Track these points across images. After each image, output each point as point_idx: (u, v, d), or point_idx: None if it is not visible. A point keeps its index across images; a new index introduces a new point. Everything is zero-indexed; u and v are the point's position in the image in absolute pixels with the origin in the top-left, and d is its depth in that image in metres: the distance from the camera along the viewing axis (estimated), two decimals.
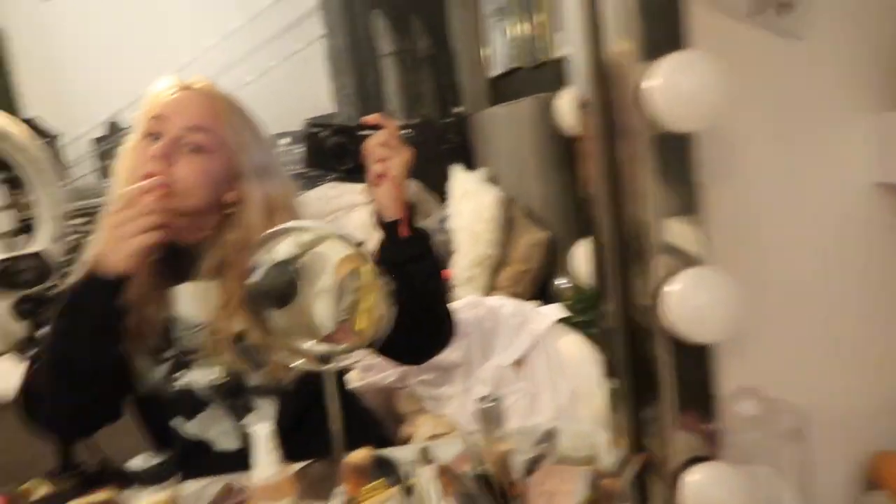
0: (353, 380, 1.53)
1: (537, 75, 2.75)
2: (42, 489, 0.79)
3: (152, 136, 1.01)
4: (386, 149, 0.94)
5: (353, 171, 0.96)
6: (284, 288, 0.94)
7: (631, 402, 0.55)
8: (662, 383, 0.49)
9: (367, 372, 1.57)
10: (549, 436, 0.94)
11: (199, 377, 1.05)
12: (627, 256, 0.52)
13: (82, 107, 3.32)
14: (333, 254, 0.90)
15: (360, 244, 0.87)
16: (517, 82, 3.07)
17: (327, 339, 0.98)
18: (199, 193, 1.02)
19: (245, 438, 1.07)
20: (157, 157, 0.98)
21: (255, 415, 1.08)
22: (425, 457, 0.74)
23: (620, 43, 0.47)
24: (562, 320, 1.58)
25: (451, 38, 3.61)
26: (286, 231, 0.87)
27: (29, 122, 3.22)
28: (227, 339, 1.04)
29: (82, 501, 0.61)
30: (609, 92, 0.49)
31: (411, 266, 0.97)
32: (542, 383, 1.40)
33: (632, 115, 0.46)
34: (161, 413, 1.07)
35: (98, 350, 0.95)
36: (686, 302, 0.44)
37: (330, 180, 3.45)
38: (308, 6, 3.45)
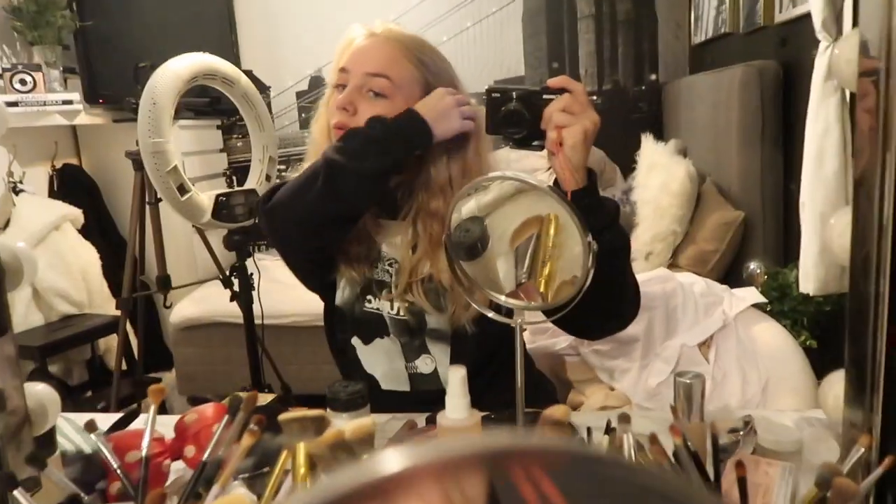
0: (525, 342, 1.52)
1: (750, 42, 2.52)
2: (251, 401, 0.86)
3: (340, 87, 1.05)
4: (567, 115, 0.87)
5: (529, 138, 0.90)
6: (474, 242, 0.95)
7: (876, 399, 0.47)
8: None
9: (540, 335, 1.54)
10: (746, 423, 0.86)
11: (385, 307, 1.09)
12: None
13: (290, 62, 3.57)
14: (518, 214, 0.89)
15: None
16: (725, 49, 2.83)
17: (512, 294, 0.98)
18: None
19: (414, 380, 1.10)
20: (340, 107, 1.02)
21: (425, 358, 1.10)
22: (624, 424, 0.69)
23: None
24: (757, 306, 1.44)
25: (655, 1, 3.40)
26: (481, 184, 0.86)
27: (247, 74, 3.56)
28: (414, 279, 1.07)
29: (299, 413, 0.65)
30: None
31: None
32: (730, 369, 1.29)
33: None
34: (345, 328, 1.12)
35: (374, 181, 0.99)
36: None
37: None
38: None
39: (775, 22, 2.25)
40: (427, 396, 1.07)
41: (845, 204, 1.69)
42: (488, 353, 1.09)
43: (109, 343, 2.60)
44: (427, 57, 1.07)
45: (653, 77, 3.49)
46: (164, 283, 1.97)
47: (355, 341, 1.12)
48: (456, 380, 0.71)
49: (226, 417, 0.70)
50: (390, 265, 1.09)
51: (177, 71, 1.67)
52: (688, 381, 0.75)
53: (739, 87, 2.24)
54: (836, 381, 0.55)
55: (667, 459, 0.61)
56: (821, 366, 1.83)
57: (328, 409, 0.81)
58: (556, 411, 0.64)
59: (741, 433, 0.85)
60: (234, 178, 2.95)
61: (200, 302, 2.57)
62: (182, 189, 1.65)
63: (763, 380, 1.25)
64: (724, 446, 0.88)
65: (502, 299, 0.90)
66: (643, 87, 3.49)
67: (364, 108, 1.03)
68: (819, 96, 1.66)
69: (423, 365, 1.10)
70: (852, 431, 0.50)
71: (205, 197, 1.72)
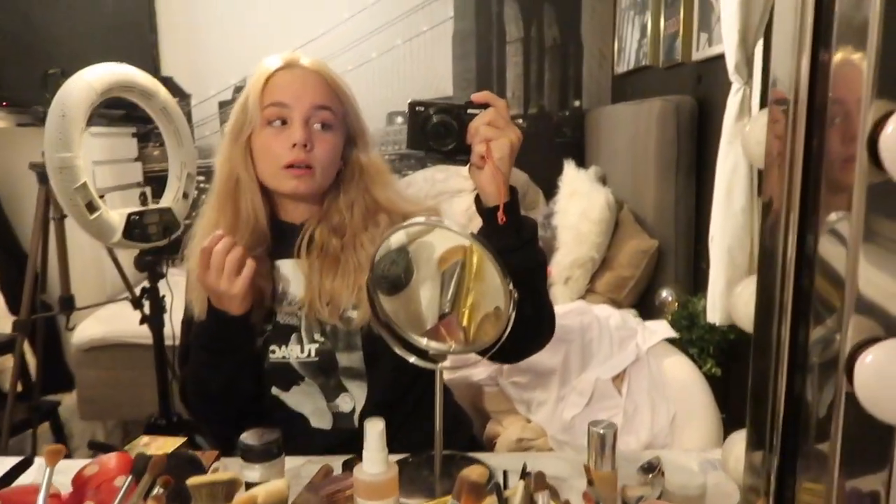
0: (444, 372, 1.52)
1: (669, 76, 2.63)
2: (153, 447, 0.81)
3: (276, 121, 1.02)
4: (492, 129, 0.88)
5: (456, 151, 0.90)
6: (399, 274, 0.95)
7: (777, 462, 0.49)
8: (831, 449, 0.43)
9: (456, 354, 1.54)
10: (652, 467, 0.89)
11: (294, 352, 1.07)
12: (804, 307, 0.45)
13: (213, 70, 3.47)
14: (441, 243, 0.89)
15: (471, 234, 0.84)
16: (645, 81, 2.95)
17: (433, 331, 0.98)
18: (331, 170, 1.05)
19: (336, 419, 1.08)
20: (299, 144, 1.00)
21: (345, 396, 1.09)
22: (541, 475, 0.70)
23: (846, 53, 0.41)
24: (669, 340, 1.50)
25: (581, 29, 3.51)
26: (401, 226, 0.86)
27: (167, 81, 3.43)
28: (321, 318, 1.05)
29: (209, 478, 0.62)
30: (816, 104, 0.43)
31: (510, 256, 0.89)
32: (641, 402, 1.33)
33: (847, 149, 0.40)
34: (261, 381, 1.10)
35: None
36: (886, 378, 0.37)
37: (438, 162, 3.47)
38: None
39: (692, 59, 2.36)
40: (350, 434, 1.06)
41: (750, 239, 1.78)
42: (406, 387, 1.09)
43: (4, 363, 2.43)
44: (345, 89, 1.08)
45: (577, 103, 3.59)
46: (67, 304, 1.86)
47: (275, 391, 1.09)
48: (374, 434, 0.70)
49: (129, 478, 0.66)
50: (294, 306, 1.07)
51: (90, 82, 1.58)
52: (601, 432, 0.77)
53: (657, 120, 2.33)
54: (738, 442, 0.57)
55: None
56: (724, 393, 1.92)
57: (241, 459, 0.78)
58: (472, 472, 0.64)
59: (650, 476, 0.88)
60: (148, 191, 2.83)
61: (107, 321, 2.44)
62: (91, 207, 1.57)
63: (671, 413, 1.30)
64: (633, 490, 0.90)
65: (424, 343, 0.90)
66: (567, 113, 3.59)
67: (318, 143, 1.02)
68: (730, 135, 1.74)
69: (344, 403, 1.09)
70: (750, 495, 0.52)
71: (116, 215, 1.64)
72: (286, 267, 1.08)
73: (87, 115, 1.56)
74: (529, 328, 0.98)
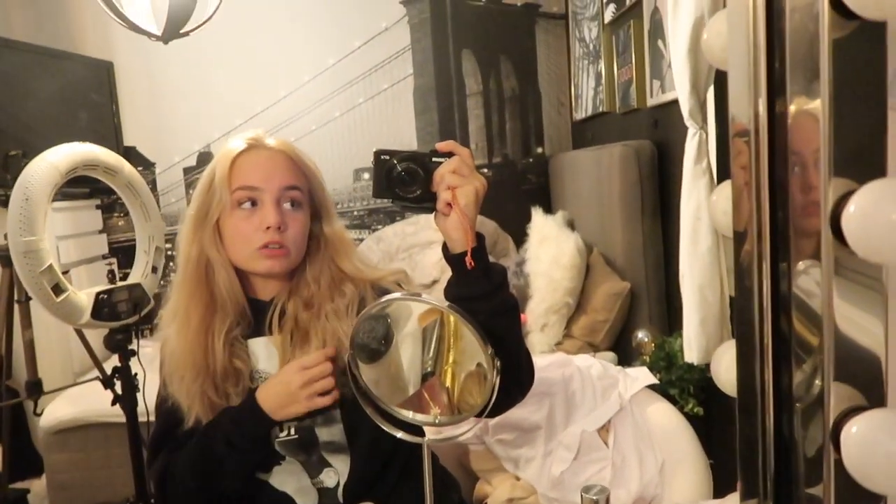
0: (428, 433, 1.50)
1: (626, 121, 2.71)
2: None
3: (245, 203, 1.03)
4: (457, 176, 0.89)
5: (421, 199, 0.91)
6: (378, 339, 0.95)
7: None
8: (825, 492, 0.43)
9: (443, 426, 1.53)
10: None
11: (274, 432, 1.05)
12: (786, 351, 0.46)
13: (177, 138, 3.47)
14: (419, 304, 0.89)
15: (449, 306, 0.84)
16: (604, 126, 3.03)
17: (417, 398, 0.97)
18: (303, 247, 1.05)
19: (321, 494, 1.06)
20: (273, 226, 1.00)
21: (328, 472, 1.07)
22: None
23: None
24: (651, 386, 1.51)
25: (538, 79, 3.61)
26: (379, 303, 0.86)
27: (129, 151, 3.42)
28: None
29: None
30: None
31: (481, 303, 0.91)
32: (628, 453, 1.33)
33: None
34: None
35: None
36: (872, 448, 0.38)
37: (407, 216, 3.49)
38: (398, 47, 3.52)
39: (648, 105, 2.44)
40: None
41: (719, 276, 1.81)
42: (389, 454, 1.07)
43: None
44: (310, 165, 1.10)
45: (539, 150, 3.66)
46: (34, 388, 1.80)
47: (259, 474, 1.07)
48: None
49: None
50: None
51: (53, 163, 1.57)
52: (594, 498, 0.76)
53: (619, 164, 2.39)
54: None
55: None
56: (707, 433, 1.93)
57: None
58: None
59: None
60: (114, 263, 2.78)
61: (76, 401, 2.36)
62: (57, 289, 1.53)
63: (659, 462, 1.29)
64: None
65: (410, 416, 0.89)
66: (531, 160, 3.66)
67: (290, 223, 1.03)
68: (690, 178, 1.80)
69: (328, 479, 1.07)
70: None
71: (83, 295, 1.61)
72: (259, 345, 1.07)
73: (51, 197, 1.54)
74: (508, 376, 0.96)
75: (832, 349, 0.41)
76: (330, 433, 1.06)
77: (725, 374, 0.54)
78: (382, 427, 0.89)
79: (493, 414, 1.13)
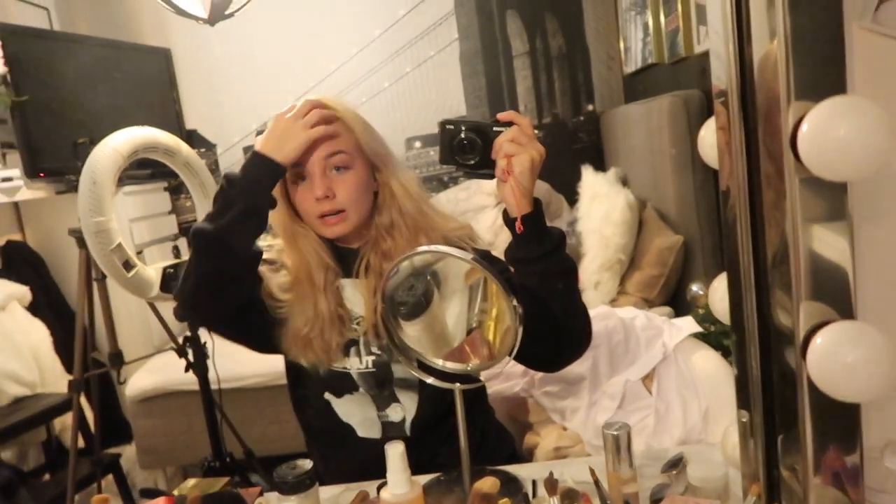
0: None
1: (676, 72, 2.64)
2: (197, 488, 0.87)
3: (298, 180, 1.08)
4: (515, 145, 0.93)
5: (479, 166, 0.97)
6: (418, 298, 0.99)
7: (764, 440, 0.52)
8: (801, 428, 0.45)
9: (493, 380, 1.58)
10: (676, 463, 0.91)
11: (354, 363, 1.12)
12: (768, 294, 0.48)
13: (235, 118, 3.60)
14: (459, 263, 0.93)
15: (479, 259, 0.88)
16: (654, 79, 2.96)
17: (458, 350, 1.01)
18: (362, 203, 1.10)
19: (385, 428, 1.13)
20: (320, 197, 1.06)
21: (395, 406, 1.13)
22: (551, 479, 0.73)
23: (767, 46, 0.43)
24: (696, 335, 1.50)
25: (585, 35, 3.54)
26: (406, 256, 0.91)
27: (191, 134, 3.57)
28: (375, 333, 1.10)
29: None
30: (752, 96, 0.46)
31: (534, 265, 0.96)
32: (672, 401, 1.34)
33: (778, 147, 0.43)
34: (314, 386, 1.15)
35: (243, 228, 1.02)
36: (834, 359, 0.40)
37: (459, 181, 3.52)
38: (442, 12, 3.51)
39: (695, 52, 2.36)
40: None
41: None
42: (454, 397, 1.12)
43: (65, 421, 2.54)
44: (352, 121, 1.11)
45: (590, 108, 3.61)
46: (117, 359, 1.95)
47: (328, 396, 1.14)
48: (395, 456, 0.74)
49: None
50: (357, 323, 1.13)
51: (116, 147, 1.68)
52: (615, 433, 0.79)
53: (668, 116, 2.34)
54: (733, 432, 0.59)
55: None
56: None
57: (277, 492, 0.83)
58: (483, 484, 0.67)
59: (674, 472, 0.90)
60: (181, 243, 2.93)
61: (156, 372, 2.54)
62: (127, 265, 1.65)
63: (703, 408, 1.30)
64: (661, 485, 0.92)
65: (440, 364, 0.93)
66: (581, 118, 3.61)
67: (338, 187, 1.07)
68: None
69: (394, 413, 1.13)
70: (744, 481, 0.54)
71: (152, 270, 1.72)
72: (348, 287, 1.14)
73: (115, 179, 1.66)
74: (564, 335, 1.01)
75: (803, 269, 0.42)
76: (403, 370, 1.11)
77: (720, 303, 0.56)
78: (413, 373, 0.94)
79: (552, 369, 1.16)
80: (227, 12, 1.86)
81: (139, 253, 2.79)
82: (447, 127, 0.98)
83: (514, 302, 0.86)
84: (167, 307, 2.03)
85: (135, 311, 2.68)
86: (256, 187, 1.02)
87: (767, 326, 0.50)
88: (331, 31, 3.51)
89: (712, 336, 1.77)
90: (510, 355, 0.88)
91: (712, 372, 1.35)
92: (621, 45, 3.41)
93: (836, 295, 0.43)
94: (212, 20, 1.84)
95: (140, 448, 2.60)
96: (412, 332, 0.99)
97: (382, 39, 3.53)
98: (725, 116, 0.49)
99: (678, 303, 2.46)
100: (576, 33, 3.56)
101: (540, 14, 3.55)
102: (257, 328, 1.13)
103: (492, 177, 0.97)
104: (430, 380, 0.94)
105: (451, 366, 0.94)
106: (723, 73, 0.49)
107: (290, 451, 1.10)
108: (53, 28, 3.33)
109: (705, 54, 2.26)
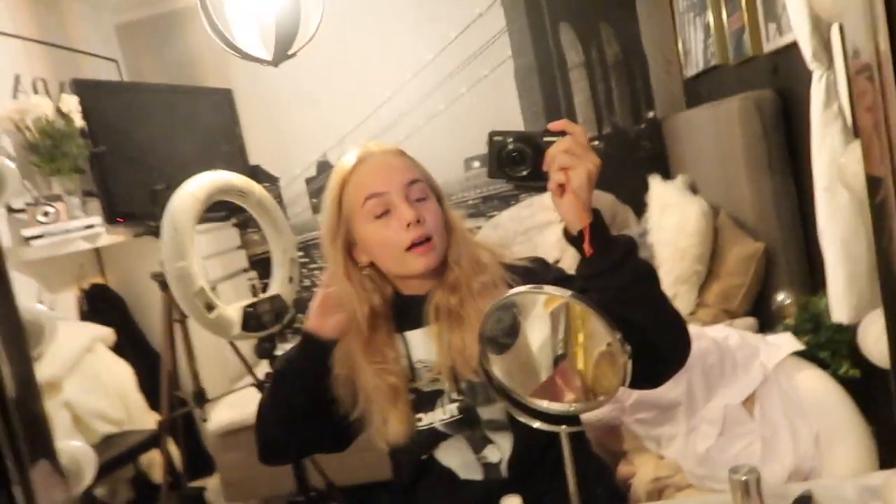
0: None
1: (743, 72, 2.54)
2: None
3: (380, 214, 1.06)
4: (569, 156, 0.87)
5: (530, 178, 0.91)
6: (507, 329, 0.96)
7: None
8: None
9: (579, 412, 1.52)
10: (805, 502, 0.84)
11: (437, 416, 1.09)
12: None
13: (295, 151, 3.67)
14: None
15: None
16: (718, 80, 2.86)
17: (550, 385, 0.97)
18: (444, 236, 1.09)
19: (486, 470, 1.10)
20: (412, 222, 1.04)
21: (491, 448, 1.10)
22: None
23: None
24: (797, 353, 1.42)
25: (642, 40, 3.47)
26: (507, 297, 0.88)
27: (255, 169, 3.65)
28: (454, 380, 1.08)
29: None
30: None
31: (608, 278, 0.90)
32: (778, 425, 1.27)
33: None
34: (410, 452, 1.12)
35: (305, 396, 1.08)
36: None
37: (521, 199, 3.48)
38: (494, 30, 3.50)
39: (764, 51, 2.28)
40: (501, 485, 1.07)
41: (864, 227, 1.67)
42: (550, 435, 1.08)
43: (151, 457, 2.61)
44: (416, 160, 1.13)
45: (651, 114, 3.52)
46: (200, 397, 1.99)
47: (425, 457, 1.12)
48: None
49: None
50: (433, 372, 1.10)
51: (193, 193, 1.72)
52: (743, 479, 0.74)
53: (739, 119, 2.26)
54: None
55: None
56: (866, 396, 1.78)
57: None
58: None
59: None
60: (255, 277, 2.99)
61: (236, 406, 2.58)
62: (209, 307, 1.68)
63: (814, 433, 1.22)
64: None
65: (544, 405, 0.90)
66: (643, 126, 3.53)
67: (424, 215, 1.06)
68: (820, 126, 1.66)
69: (492, 454, 1.11)
70: None
71: (232, 310, 1.75)
72: (416, 338, 1.11)
73: (194, 224, 1.69)
74: (660, 347, 0.94)
75: None
76: (491, 412, 1.08)
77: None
78: (518, 417, 0.91)
79: (656, 384, 1.08)
80: (290, 52, 1.89)
81: (213, 289, 2.86)
82: (495, 138, 0.92)
83: (619, 336, 0.82)
84: (246, 343, 2.06)
85: (212, 348, 2.74)
86: (303, 363, 1.09)
87: None
88: (384, 60, 3.54)
89: (807, 350, 1.68)
90: (615, 392, 0.84)
91: (820, 393, 1.28)
92: (680, 47, 3.32)
93: None
94: (275, 62, 1.87)
95: (224, 481, 2.64)
96: (502, 368, 0.96)
97: (435, 63, 3.53)
98: (871, 95, 0.44)
99: (762, 313, 2.35)
100: (631, 40, 3.49)
101: (594, 23, 3.50)
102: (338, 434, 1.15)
103: (544, 189, 0.91)
104: (536, 424, 0.90)
105: (553, 407, 0.90)
106: (864, 48, 0.44)
107: (373, 480, 1.10)
108: (123, 78, 3.47)
109: (777, 52, 2.17)
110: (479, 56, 3.52)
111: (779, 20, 2.08)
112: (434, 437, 1.10)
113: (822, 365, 1.63)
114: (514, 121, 3.55)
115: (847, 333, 1.82)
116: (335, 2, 3.29)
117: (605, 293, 0.90)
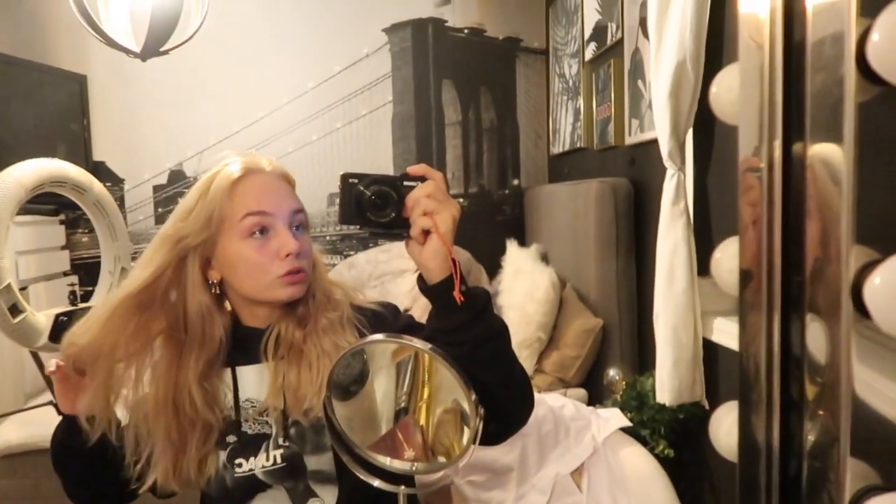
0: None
1: (604, 158, 2.73)
2: None
3: (256, 232, 0.98)
4: (433, 201, 0.83)
5: (394, 224, 0.84)
6: (355, 378, 0.91)
7: None
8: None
9: (419, 474, 1.48)
10: None
11: (260, 462, 1.01)
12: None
13: (148, 155, 3.41)
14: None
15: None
16: (581, 162, 3.05)
17: (390, 439, 0.93)
18: (311, 266, 1.03)
19: None
20: (294, 253, 0.97)
21: (314, 501, 1.03)
22: None
23: None
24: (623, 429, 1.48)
25: (517, 111, 3.64)
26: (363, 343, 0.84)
27: (98, 166, 3.34)
28: (284, 422, 1.01)
29: None
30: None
31: (465, 332, 0.85)
32: (602, 497, 1.30)
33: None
34: (221, 501, 1.03)
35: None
36: None
37: (380, 243, 3.46)
38: (378, 74, 3.52)
39: (626, 143, 2.46)
40: None
41: (693, 318, 1.80)
42: (378, 491, 1.02)
43: None
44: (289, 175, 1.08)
45: (515, 182, 3.67)
46: None
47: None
48: None
49: None
50: (263, 415, 1.01)
51: (20, 179, 1.51)
52: None
53: (595, 200, 2.40)
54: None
55: None
56: (677, 474, 1.91)
57: None
58: None
59: None
60: (75, 281, 2.69)
61: (27, 425, 2.25)
62: (14, 310, 1.47)
63: None
64: None
65: (387, 463, 0.85)
66: (507, 191, 3.67)
67: (303, 247, 1.00)
68: (668, 218, 1.80)
69: None
70: None
71: (42, 317, 1.54)
72: (249, 374, 1.03)
73: (14, 214, 1.49)
74: (505, 402, 0.91)
75: (849, 421, 0.39)
76: (318, 462, 1.01)
77: (725, 437, 0.52)
78: (357, 474, 0.85)
79: (501, 438, 1.05)
80: (161, 49, 1.76)
81: (23, 289, 2.52)
82: (350, 180, 0.85)
83: (474, 398, 0.79)
84: (49, 355, 1.82)
85: (8, 357, 2.40)
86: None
87: (786, 471, 0.46)
88: (263, 78, 3.43)
89: (631, 427, 1.77)
90: (465, 454, 0.81)
91: (641, 469, 1.33)
92: (550, 125, 3.52)
93: (885, 456, 0.40)
94: (144, 56, 1.73)
95: None
96: (344, 414, 0.91)
97: (315, 93, 3.48)
98: (758, 191, 0.45)
99: (593, 386, 2.47)
100: (508, 109, 3.65)
101: (475, 86, 3.62)
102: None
103: (402, 237, 0.86)
104: (376, 483, 0.85)
105: (396, 465, 0.85)
106: (754, 151, 0.45)
107: None
108: None
109: (636, 145, 2.35)
110: (359, 95, 3.51)
111: (642, 118, 2.26)
112: (251, 485, 1.01)
113: (642, 442, 1.72)
114: (384, 164, 3.56)
115: (667, 414, 1.94)
116: (225, 10, 3.16)
117: (460, 348, 0.85)
